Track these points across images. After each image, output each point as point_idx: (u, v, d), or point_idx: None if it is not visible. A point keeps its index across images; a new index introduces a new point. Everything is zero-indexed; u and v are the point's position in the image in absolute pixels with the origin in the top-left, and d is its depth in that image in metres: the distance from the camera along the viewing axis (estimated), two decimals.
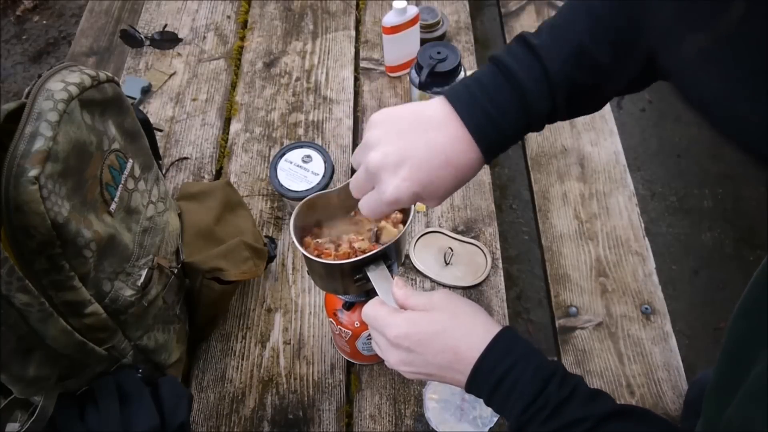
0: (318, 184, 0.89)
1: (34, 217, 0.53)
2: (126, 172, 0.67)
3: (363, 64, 1.18)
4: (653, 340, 0.89)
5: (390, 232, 0.62)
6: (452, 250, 0.92)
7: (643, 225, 1.00)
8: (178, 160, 1.05)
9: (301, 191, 0.89)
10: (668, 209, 1.83)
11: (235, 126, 1.09)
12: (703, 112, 0.28)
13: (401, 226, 0.62)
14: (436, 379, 0.56)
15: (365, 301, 0.59)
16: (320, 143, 1.05)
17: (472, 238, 0.94)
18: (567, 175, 1.06)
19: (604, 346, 0.89)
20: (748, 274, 0.51)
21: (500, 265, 0.93)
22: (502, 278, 0.92)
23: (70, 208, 0.57)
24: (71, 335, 0.59)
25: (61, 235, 0.56)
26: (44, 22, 2.34)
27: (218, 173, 1.04)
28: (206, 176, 1.03)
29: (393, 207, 0.53)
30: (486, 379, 0.52)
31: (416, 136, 0.51)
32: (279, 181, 0.90)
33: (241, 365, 0.85)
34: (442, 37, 1.15)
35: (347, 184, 0.61)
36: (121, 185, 0.66)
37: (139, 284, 0.68)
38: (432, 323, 0.54)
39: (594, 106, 0.57)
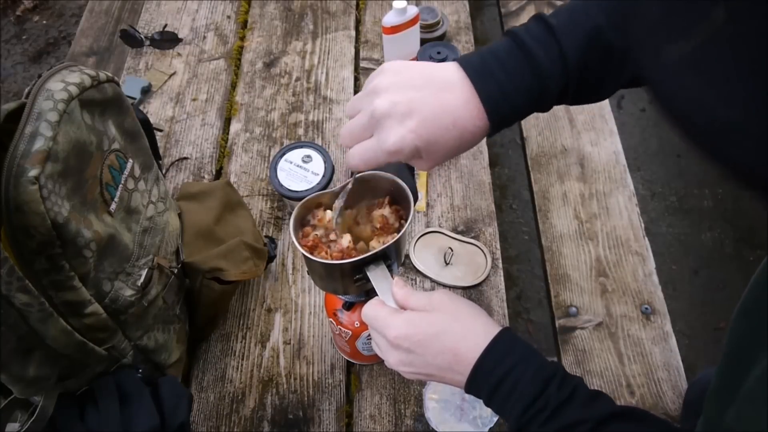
0: (318, 184, 0.89)
1: (34, 217, 0.53)
2: (126, 172, 0.67)
3: (363, 64, 1.18)
4: (653, 340, 0.89)
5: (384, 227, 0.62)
6: (452, 250, 0.92)
7: (643, 225, 1.00)
8: (178, 160, 1.05)
9: (301, 191, 0.89)
10: (668, 209, 1.83)
11: (235, 126, 1.09)
12: (683, 121, 0.28)
13: (401, 224, 0.62)
14: (435, 379, 0.56)
15: (365, 301, 0.59)
16: (320, 143, 1.05)
17: (472, 238, 0.94)
18: (567, 175, 1.06)
19: (604, 346, 0.89)
20: (748, 274, 0.51)
21: (500, 265, 0.93)
22: (502, 278, 0.92)
23: (70, 208, 0.56)
24: (71, 335, 0.59)
25: (61, 235, 0.56)
26: (44, 22, 2.34)
27: (218, 173, 1.04)
28: (206, 176, 1.03)
29: (391, 158, 0.52)
30: (486, 380, 0.52)
31: (428, 92, 0.50)
32: (279, 181, 0.90)
33: (241, 365, 0.85)
34: (442, 37, 1.15)
35: (347, 184, 0.61)
36: (121, 185, 0.66)
37: (139, 284, 0.68)
38: (432, 324, 0.54)
39: (602, 93, 0.56)
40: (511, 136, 1.92)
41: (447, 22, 1.15)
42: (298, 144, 0.94)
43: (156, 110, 1.11)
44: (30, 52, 2.25)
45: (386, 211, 0.62)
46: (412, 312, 0.55)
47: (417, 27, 1.07)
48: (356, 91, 1.14)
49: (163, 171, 0.98)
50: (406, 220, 0.60)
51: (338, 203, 0.61)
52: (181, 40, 1.21)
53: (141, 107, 1.11)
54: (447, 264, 0.91)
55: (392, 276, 0.59)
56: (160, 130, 1.06)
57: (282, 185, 0.90)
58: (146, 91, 1.13)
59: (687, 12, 0.25)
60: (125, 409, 0.64)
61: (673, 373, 0.86)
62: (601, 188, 1.04)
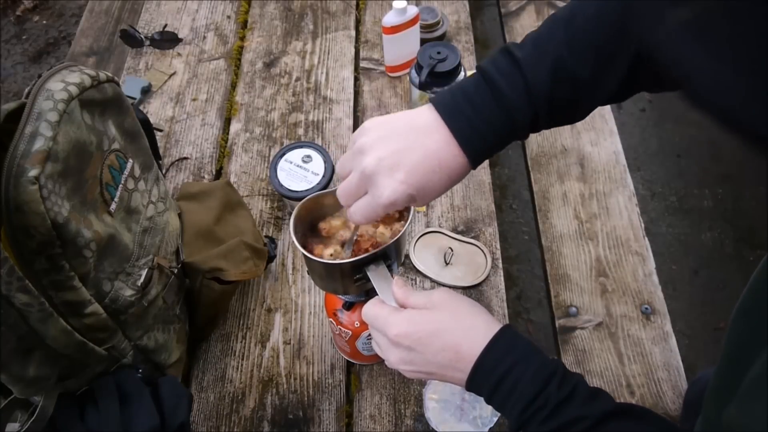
0: (318, 184, 0.89)
1: (34, 217, 0.53)
2: (126, 172, 0.67)
3: (363, 64, 1.18)
4: (653, 340, 0.89)
5: (383, 236, 0.62)
6: (452, 250, 0.92)
7: (643, 225, 1.00)
8: (178, 160, 1.05)
9: (301, 191, 0.89)
10: (668, 209, 1.83)
11: (235, 126, 1.09)
12: (686, 84, 0.29)
13: (398, 225, 0.62)
14: (436, 378, 0.56)
15: (365, 301, 0.59)
16: (320, 143, 1.05)
17: (472, 238, 0.94)
18: (567, 175, 1.06)
19: (604, 346, 0.89)
20: (748, 274, 0.51)
21: (500, 265, 0.93)
22: (502, 278, 0.92)
23: (70, 208, 0.57)
24: (71, 335, 0.59)
25: (61, 235, 0.56)
26: (44, 22, 2.34)
27: (218, 173, 1.04)
28: (206, 176, 1.03)
29: (388, 209, 0.54)
30: (487, 377, 0.52)
31: (409, 142, 0.53)
32: (279, 181, 0.90)
33: (241, 365, 0.85)
34: (442, 37, 1.15)
35: (353, 236, 0.61)
36: (121, 185, 0.66)
37: (139, 284, 0.68)
38: (432, 322, 0.54)
39: (576, 117, 0.58)
40: None
41: (447, 22, 1.15)
42: (298, 144, 0.94)
43: (156, 110, 1.11)
44: (30, 52, 2.25)
45: None
46: (412, 310, 0.55)
47: (417, 27, 1.07)
48: (356, 91, 1.14)
49: (163, 171, 0.98)
50: (407, 212, 0.60)
51: (347, 253, 0.62)
52: (181, 40, 1.21)
53: (141, 107, 1.11)
54: (447, 264, 0.91)
55: (392, 276, 0.59)
56: (160, 130, 1.06)
57: (282, 185, 0.90)
58: (146, 91, 1.13)
59: None
60: (125, 409, 0.64)
61: (673, 373, 0.86)
62: (601, 188, 1.04)
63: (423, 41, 1.10)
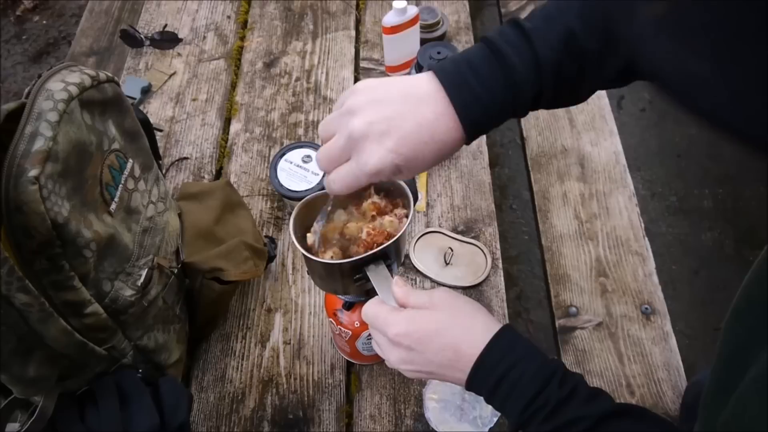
0: (318, 184, 0.89)
1: (34, 217, 0.53)
2: (126, 172, 0.67)
3: (363, 64, 1.18)
4: (653, 340, 0.89)
5: (393, 224, 0.61)
6: (452, 250, 0.92)
7: (643, 225, 1.00)
8: (178, 160, 1.05)
9: (301, 191, 0.89)
10: (668, 209, 1.83)
11: (235, 126, 1.09)
12: (662, 78, 0.29)
13: (399, 222, 0.62)
14: (436, 377, 0.56)
15: (365, 301, 0.59)
16: (320, 143, 1.05)
17: (472, 238, 0.94)
18: (567, 175, 1.06)
19: (604, 346, 0.89)
20: None
21: (500, 265, 0.93)
22: (502, 278, 0.92)
23: (70, 208, 0.56)
24: (71, 335, 0.59)
25: (61, 235, 0.56)
26: (44, 22, 2.34)
27: (218, 173, 1.04)
28: (206, 176, 1.03)
29: (372, 179, 0.51)
30: (487, 377, 0.52)
31: (403, 108, 0.50)
32: (279, 181, 0.90)
33: (241, 365, 0.85)
34: (442, 37, 1.15)
35: (326, 206, 0.60)
36: (121, 185, 0.66)
37: (139, 284, 0.68)
38: (432, 321, 0.54)
39: (579, 96, 0.56)
40: (511, 136, 1.92)
41: (447, 22, 1.15)
42: (298, 144, 0.94)
43: (156, 110, 1.11)
44: (30, 52, 2.25)
45: (375, 198, 0.61)
46: (412, 310, 0.55)
47: (417, 27, 1.07)
48: None
49: (163, 171, 0.98)
50: (408, 208, 0.60)
51: (317, 226, 0.60)
52: (181, 40, 1.21)
53: (141, 107, 1.11)
54: (447, 264, 0.91)
55: (392, 275, 0.59)
56: (160, 130, 1.06)
57: (282, 185, 0.90)
58: (146, 91, 1.13)
59: None
60: (125, 409, 0.64)
61: (673, 373, 0.86)
62: (601, 188, 1.04)
63: (423, 41, 1.10)
